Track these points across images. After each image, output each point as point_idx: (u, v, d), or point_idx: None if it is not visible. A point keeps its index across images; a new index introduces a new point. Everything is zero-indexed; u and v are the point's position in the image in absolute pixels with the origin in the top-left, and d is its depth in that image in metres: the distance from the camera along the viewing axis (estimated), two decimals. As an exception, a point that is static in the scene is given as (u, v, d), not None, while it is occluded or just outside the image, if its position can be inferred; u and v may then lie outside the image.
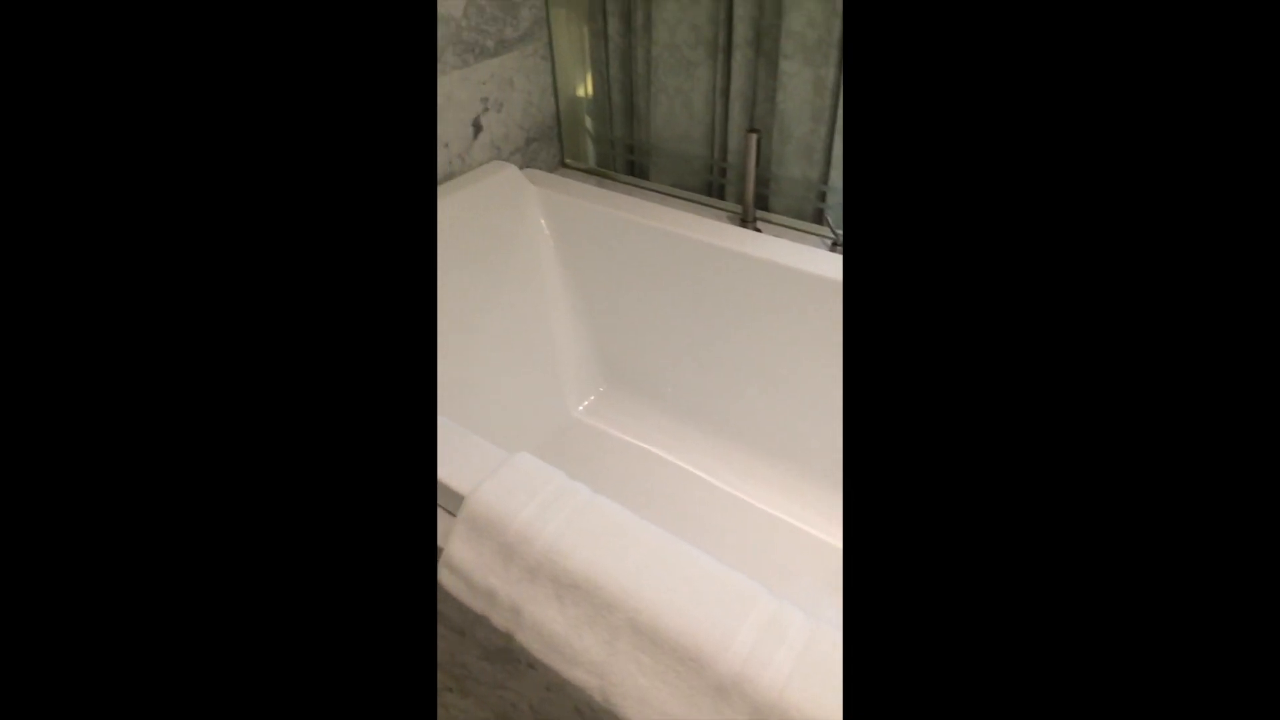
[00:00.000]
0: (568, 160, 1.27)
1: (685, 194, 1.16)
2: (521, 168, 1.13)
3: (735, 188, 1.13)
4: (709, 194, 1.17)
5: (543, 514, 0.58)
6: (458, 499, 0.61)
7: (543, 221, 1.12)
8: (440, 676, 0.84)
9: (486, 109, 1.07)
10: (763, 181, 1.08)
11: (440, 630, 0.76)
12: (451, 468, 0.64)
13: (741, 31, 1.00)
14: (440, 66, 0.97)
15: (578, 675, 0.53)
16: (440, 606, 0.72)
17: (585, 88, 1.22)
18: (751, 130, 0.97)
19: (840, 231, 0.99)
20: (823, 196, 1.05)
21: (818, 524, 1.01)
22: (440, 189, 1.02)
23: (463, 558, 0.58)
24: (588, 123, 1.25)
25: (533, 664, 0.64)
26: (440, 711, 0.82)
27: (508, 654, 0.66)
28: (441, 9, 0.94)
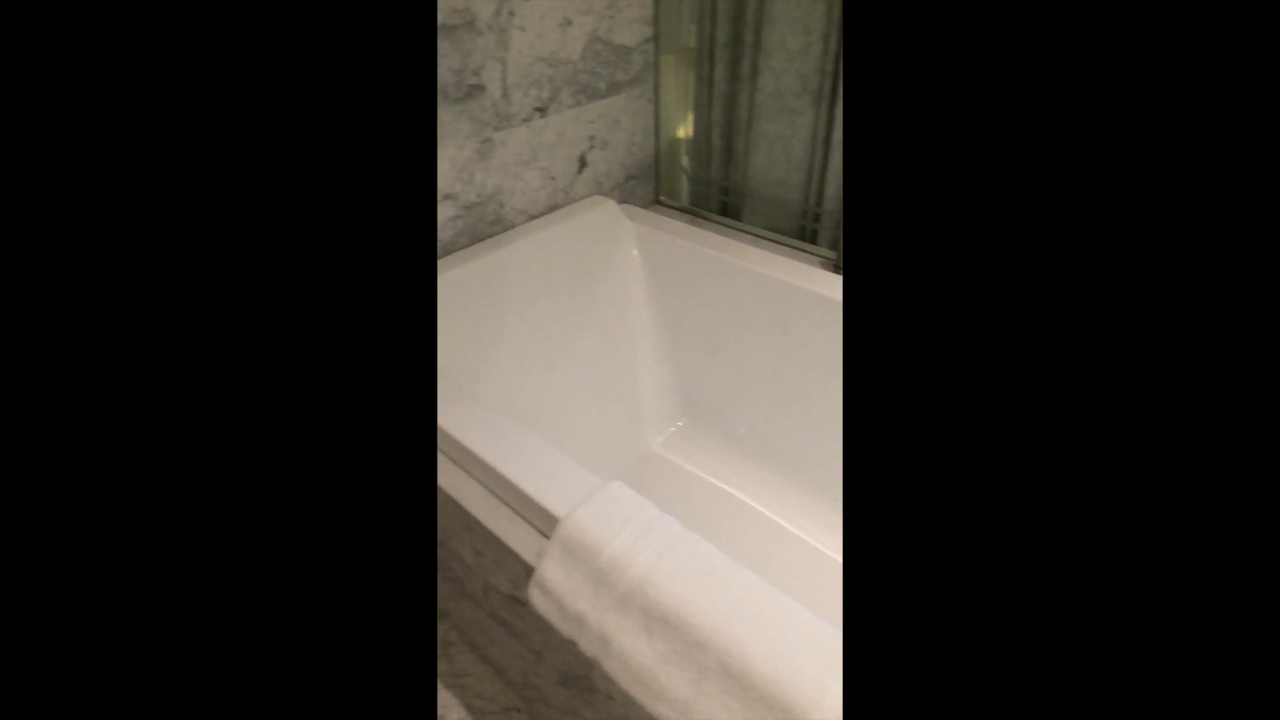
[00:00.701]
0: (662, 198, 1.31)
1: (777, 237, 1.17)
2: (619, 203, 1.17)
3: (829, 233, 1.13)
4: (801, 238, 1.17)
5: (635, 544, 0.58)
6: (552, 521, 0.63)
7: (636, 254, 1.16)
8: (510, 696, 0.85)
9: (593, 146, 1.12)
10: (859, 229, 1.08)
11: (517, 649, 0.77)
12: (547, 489, 0.66)
13: (849, 82, 1.01)
14: (556, 106, 1.02)
15: (661, 711, 0.53)
16: (520, 625, 0.74)
17: (686, 129, 1.25)
18: (853, 179, 0.98)
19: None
20: (921, 248, 1.04)
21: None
22: (543, 219, 1.07)
23: (555, 580, 0.60)
24: (685, 163, 1.28)
25: (612, 694, 0.64)
26: (506, 731, 0.82)
27: (586, 681, 0.67)
28: (561, 53, 0.99)
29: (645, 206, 1.27)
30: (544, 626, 0.67)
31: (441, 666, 0.88)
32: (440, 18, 0.84)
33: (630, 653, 0.55)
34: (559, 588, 0.59)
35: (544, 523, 0.65)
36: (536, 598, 0.61)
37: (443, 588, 0.90)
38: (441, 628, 0.93)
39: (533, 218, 1.08)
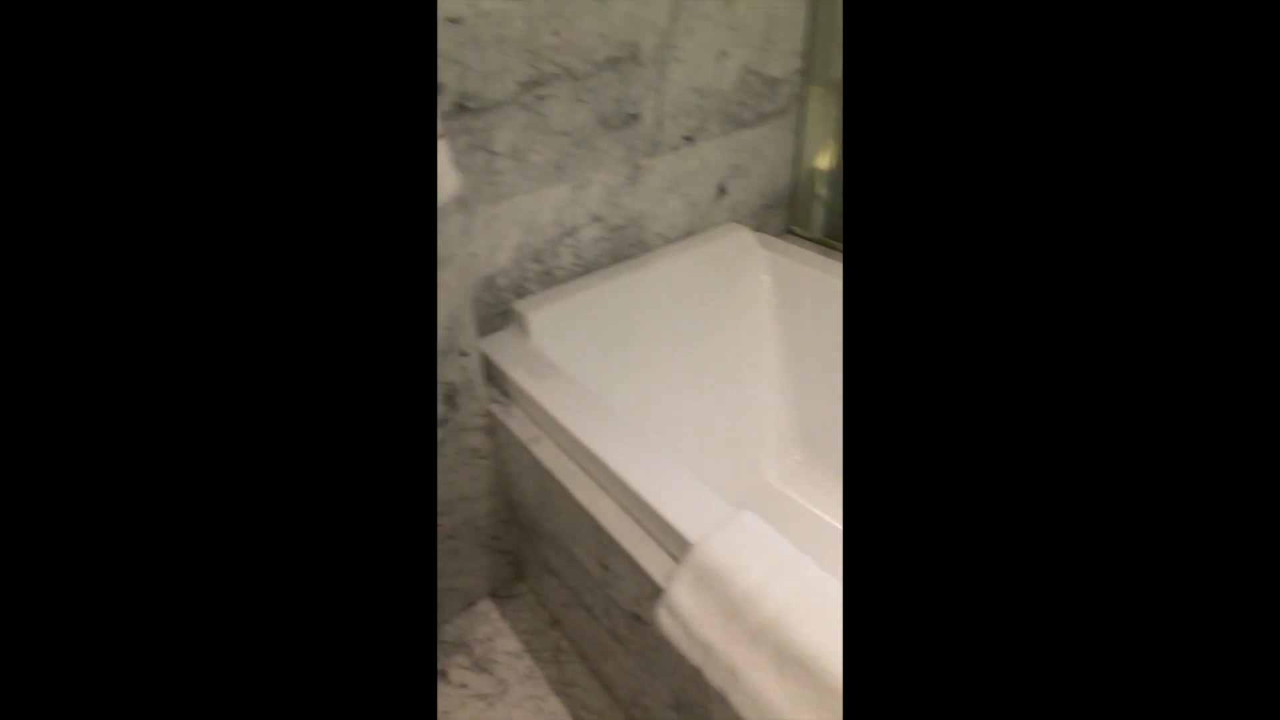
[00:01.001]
0: (794, 227, 1.30)
1: (917, 275, 1.13)
2: (753, 231, 1.17)
3: (976, 275, 1.08)
4: (943, 277, 1.12)
5: (770, 579, 0.57)
6: (682, 543, 0.63)
7: (768, 280, 1.15)
8: (616, 713, 0.86)
9: (733, 175, 1.13)
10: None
11: (630, 667, 0.78)
12: (680, 511, 0.66)
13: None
14: (703, 135, 1.05)
15: (789, 757, 0.51)
16: (637, 643, 0.74)
17: (825, 160, 1.24)
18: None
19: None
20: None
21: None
22: (681, 244, 1.09)
23: (684, 605, 0.60)
24: (823, 193, 1.27)
25: (730, 729, 0.63)
26: (608, 746, 0.83)
27: (701, 710, 0.66)
28: (713, 84, 1.02)
29: (777, 235, 1.27)
30: (662, 647, 0.67)
31: (551, 673, 0.91)
32: (608, 51, 0.88)
33: (760, 690, 0.54)
34: (688, 613, 0.59)
35: (674, 544, 0.66)
36: (665, 620, 0.61)
37: (558, 594, 0.92)
38: (553, 635, 0.96)
39: (670, 241, 1.10)
